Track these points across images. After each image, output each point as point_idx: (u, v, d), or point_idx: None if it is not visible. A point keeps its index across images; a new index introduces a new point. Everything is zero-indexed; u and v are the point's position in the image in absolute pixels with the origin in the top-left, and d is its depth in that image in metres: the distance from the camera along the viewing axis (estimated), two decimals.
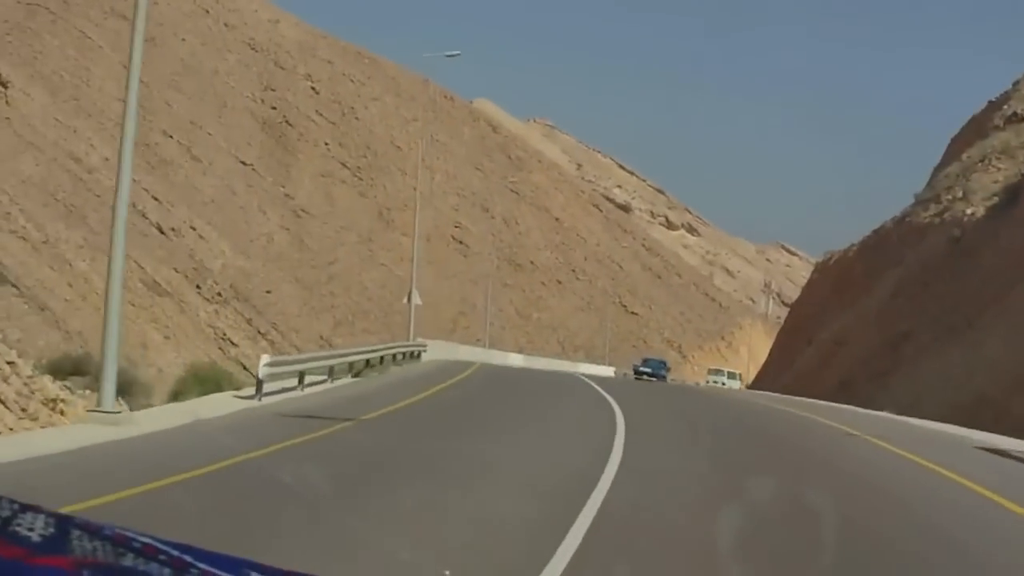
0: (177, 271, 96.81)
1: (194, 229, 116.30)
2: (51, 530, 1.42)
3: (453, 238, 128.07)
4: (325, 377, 29.46)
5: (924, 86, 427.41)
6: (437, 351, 62.89)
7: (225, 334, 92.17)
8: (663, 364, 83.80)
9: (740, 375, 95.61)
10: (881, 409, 42.58)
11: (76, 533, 1.43)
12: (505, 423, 24.55)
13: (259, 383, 21.91)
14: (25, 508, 1.44)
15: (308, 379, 28.03)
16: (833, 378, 58.52)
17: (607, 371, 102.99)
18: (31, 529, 1.41)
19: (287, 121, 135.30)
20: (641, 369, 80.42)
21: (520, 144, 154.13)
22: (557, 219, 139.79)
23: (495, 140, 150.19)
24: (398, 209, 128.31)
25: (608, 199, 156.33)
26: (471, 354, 72.91)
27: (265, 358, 22.63)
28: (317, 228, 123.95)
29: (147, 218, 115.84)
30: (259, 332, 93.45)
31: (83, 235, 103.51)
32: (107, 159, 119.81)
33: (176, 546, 1.46)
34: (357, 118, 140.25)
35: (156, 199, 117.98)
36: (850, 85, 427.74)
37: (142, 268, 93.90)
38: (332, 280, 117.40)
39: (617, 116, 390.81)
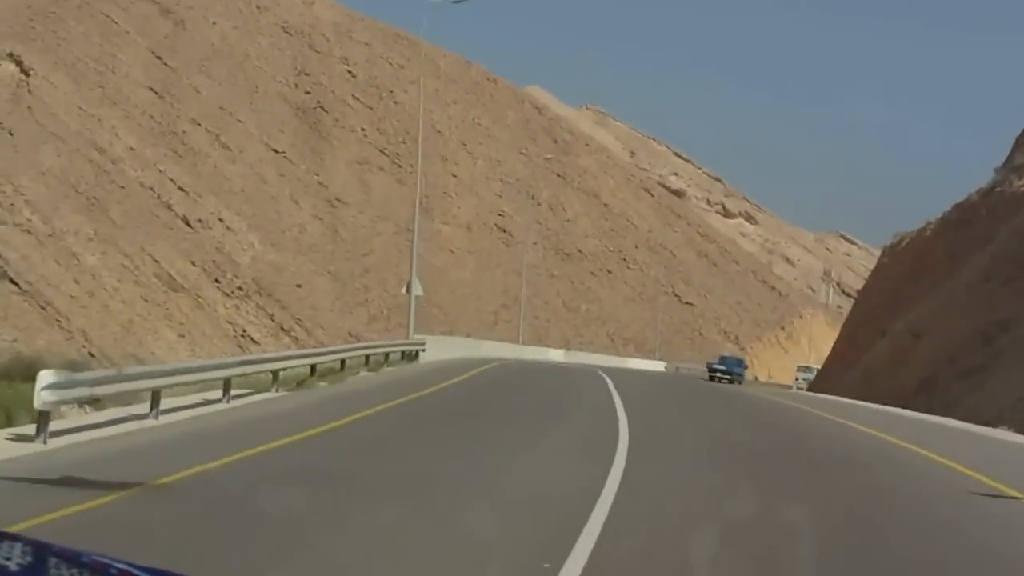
0: (195, 264, 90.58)
1: (222, 221, 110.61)
2: (28, 558, 1.42)
3: (496, 226, 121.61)
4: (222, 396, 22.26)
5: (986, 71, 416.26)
6: (454, 349, 55.83)
7: (245, 330, 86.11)
8: (740, 363, 76.81)
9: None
10: (978, 417, 34.98)
11: (53, 561, 1.44)
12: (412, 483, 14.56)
13: (41, 416, 14.38)
14: (2, 536, 1.44)
15: (205, 396, 21.11)
16: (911, 376, 51.27)
17: (657, 366, 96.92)
18: (8, 558, 1.41)
19: (321, 106, 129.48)
20: (716, 367, 73.61)
21: (567, 127, 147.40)
22: (606, 205, 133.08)
23: (540, 123, 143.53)
24: (437, 197, 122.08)
25: (662, 185, 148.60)
26: (497, 351, 66.13)
27: (45, 376, 14.64)
28: (352, 218, 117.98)
29: (173, 210, 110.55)
30: (282, 328, 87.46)
31: (97, 228, 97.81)
32: (132, 148, 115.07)
33: (153, 572, 1.49)
34: (395, 102, 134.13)
35: (183, 190, 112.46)
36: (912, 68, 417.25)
37: (157, 262, 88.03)
38: (367, 273, 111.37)
39: (671, 103, 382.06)
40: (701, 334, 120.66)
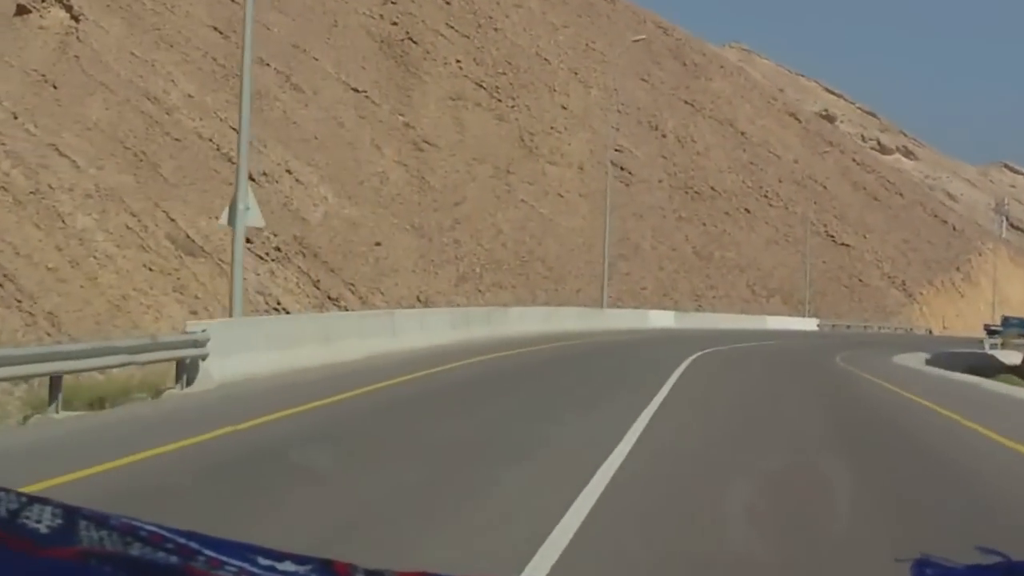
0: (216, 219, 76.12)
1: (290, 172, 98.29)
2: (59, 521, 1.48)
3: (613, 164, 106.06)
4: None
5: None
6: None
7: (280, 302, 71.72)
8: None
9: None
10: None
11: (83, 524, 1.49)
12: None
13: None
14: (32, 500, 1.50)
15: None
16: None
17: (808, 324, 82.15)
18: (38, 521, 1.47)
19: (410, 38, 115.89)
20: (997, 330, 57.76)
21: (697, 47, 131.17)
22: (743, 134, 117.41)
23: (665, 44, 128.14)
24: (543, 133, 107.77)
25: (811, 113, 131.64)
26: (568, 319, 52.27)
27: None
28: (442, 162, 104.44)
29: (233, 163, 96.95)
30: (329, 297, 73.21)
31: (144, 186, 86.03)
32: (190, 96, 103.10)
33: (182, 533, 1.55)
34: (496, 28, 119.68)
35: None
36: None
37: (172, 220, 74.26)
38: (458, 225, 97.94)
39: (819, 39, 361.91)
40: (861, 280, 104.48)
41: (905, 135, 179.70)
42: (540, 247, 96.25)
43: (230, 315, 27.28)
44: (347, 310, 71.19)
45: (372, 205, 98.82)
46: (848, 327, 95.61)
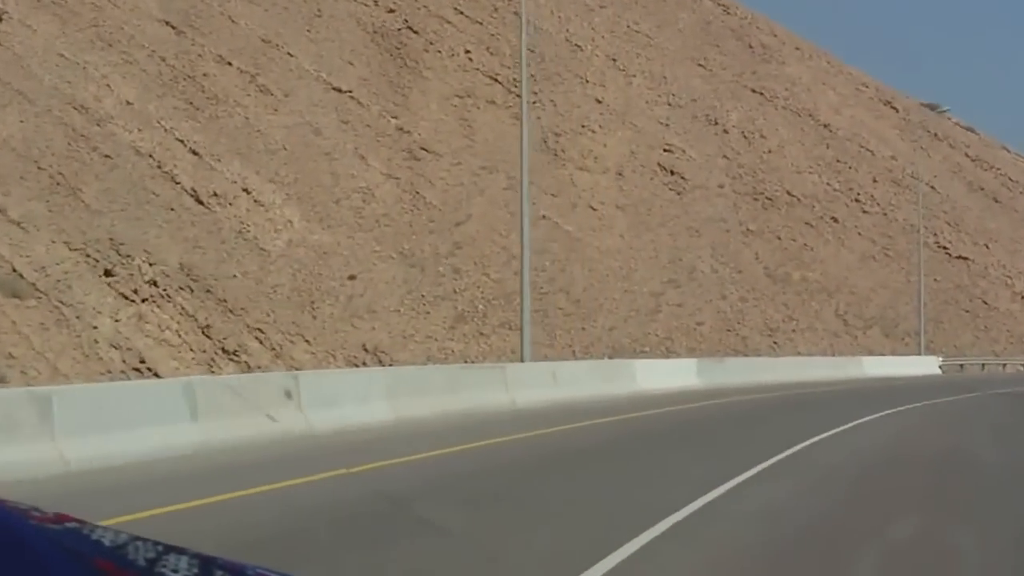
0: (87, 250, 58.35)
1: (248, 192, 79.79)
2: (195, 571, 1.50)
3: (661, 167, 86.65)
4: None
5: None
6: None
7: (143, 359, 51.90)
8: None
9: None
10: None
11: (219, 574, 1.52)
12: None
13: None
14: (169, 549, 1.53)
15: None
16: None
17: (925, 365, 62.53)
18: (175, 571, 1.49)
19: (410, 27, 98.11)
20: None
21: (765, 26, 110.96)
22: (827, 126, 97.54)
23: (728, 24, 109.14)
24: (572, 133, 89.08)
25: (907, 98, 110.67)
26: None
27: None
28: (444, 172, 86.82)
29: (178, 182, 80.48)
30: (222, 350, 53.09)
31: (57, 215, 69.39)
32: (129, 103, 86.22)
33: None
34: (515, 12, 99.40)
35: (195, 153, 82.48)
36: None
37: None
38: (459, 250, 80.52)
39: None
40: (985, 302, 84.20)
41: None
42: (564, 274, 77.15)
43: None
44: (250, 368, 51.44)
45: (350, 228, 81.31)
46: (983, 366, 74.70)
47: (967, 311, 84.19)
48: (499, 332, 73.93)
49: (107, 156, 78.46)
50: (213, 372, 50.33)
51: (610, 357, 69.39)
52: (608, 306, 75.96)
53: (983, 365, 76.03)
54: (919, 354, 69.61)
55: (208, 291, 58.26)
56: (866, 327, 79.69)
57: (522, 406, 32.14)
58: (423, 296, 76.75)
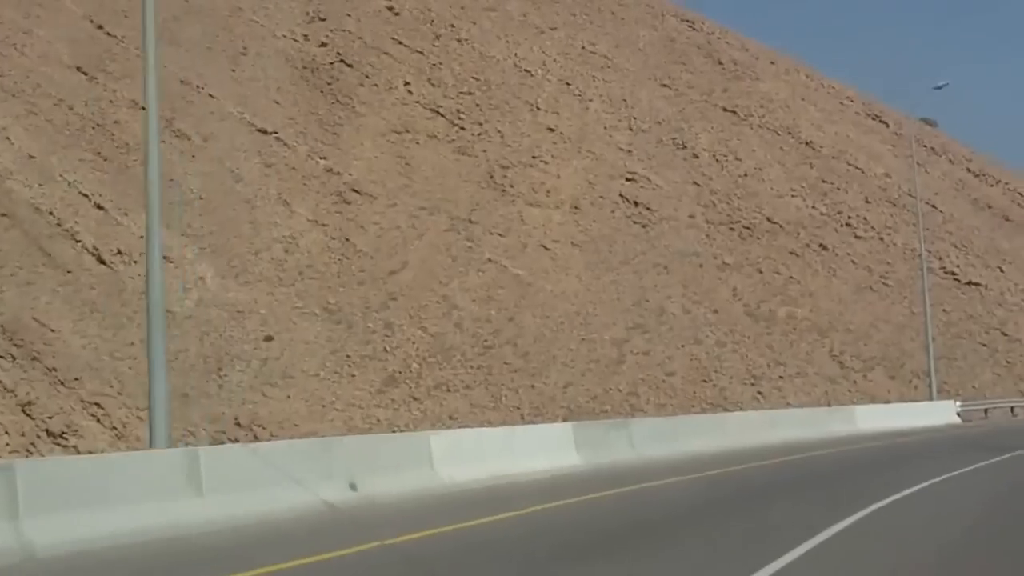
0: None
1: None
2: None
3: (623, 198, 77.04)
4: None
5: None
6: None
7: None
8: None
9: None
10: None
11: None
12: None
13: None
14: None
15: None
16: None
17: (941, 412, 52.32)
18: None
19: (343, 60, 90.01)
20: None
21: (735, 41, 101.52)
22: (809, 144, 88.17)
23: (693, 41, 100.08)
24: (521, 166, 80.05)
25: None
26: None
27: None
28: (377, 216, 78.45)
29: (78, 240, 71.48)
30: (47, 432, 43.26)
31: None
32: (31, 157, 78.39)
33: None
34: (460, 39, 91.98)
35: (101, 207, 73.06)
36: None
37: None
38: (393, 303, 73.58)
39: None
40: (1004, 333, 74.24)
41: None
42: (511, 325, 67.63)
43: None
44: (78, 451, 41.68)
45: (269, 283, 72.57)
46: (1012, 410, 63.82)
47: (984, 345, 73.60)
48: (435, 395, 64.18)
49: (2, 215, 69.77)
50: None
51: (564, 419, 59.39)
52: (563, 359, 66.16)
53: (1012, 408, 64.55)
54: (930, 399, 58.19)
55: (34, 358, 48.25)
56: (866, 369, 69.32)
57: None
58: (348, 357, 67.36)
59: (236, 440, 49.32)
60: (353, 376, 65.24)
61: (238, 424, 52.23)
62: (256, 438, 49.87)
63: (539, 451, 28.02)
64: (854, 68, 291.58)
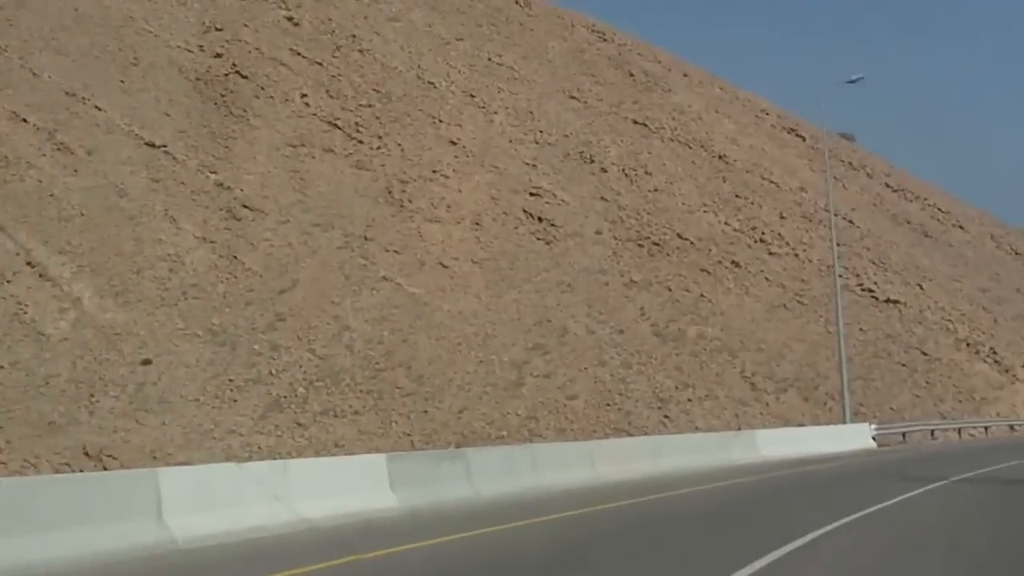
0: None
1: (32, 266, 68.11)
2: None
3: (527, 214, 73.11)
4: None
5: None
6: None
7: None
8: None
9: None
10: None
11: None
12: None
13: None
14: None
15: None
16: None
17: (856, 437, 48.55)
18: None
19: (239, 71, 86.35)
20: None
21: (647, 52, 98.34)
22: (723, 157, 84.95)
23: (603, 52, 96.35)
24: (421, 180, 76.60)
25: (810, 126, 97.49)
26: None
27: None
28: (268, 232, 75.35)
29: None
30: None
31: None
32: None
33: None
34: (362, 50, 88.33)
35: None
36: None
37: None
38: (281, 323, 71.79)
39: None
40: (924, 352, 70.64)
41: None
42: (405, 347, 63.76)
43: None
44: None
45: (151, 304, 68.96)
46: (932, 433, 60.03)
47: (903, 364, 70.14)
48: (321, 422, 60.33)
49: None
50: None
51: (457, 445, 55.72)
52: (459, 382, 62.49)
53: (932, 432, 60.50)
54: (844, 421, 54.01)
55: None
56: (779, 391, 65.85)
57: None
58: (231, 381, 63.49)
59: (81, 470, 45.34)
60: (235, 401, 61.32)
61: (87, 454, 48.17)
62: (105, 469, 45.93)
63: (334, 490, 21.88)
64: (773, 82, 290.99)
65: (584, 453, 32.73)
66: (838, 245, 79.62)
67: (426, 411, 60.05)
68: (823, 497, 25.75)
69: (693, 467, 35.99)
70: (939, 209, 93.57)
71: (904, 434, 57.35)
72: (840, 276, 76.61)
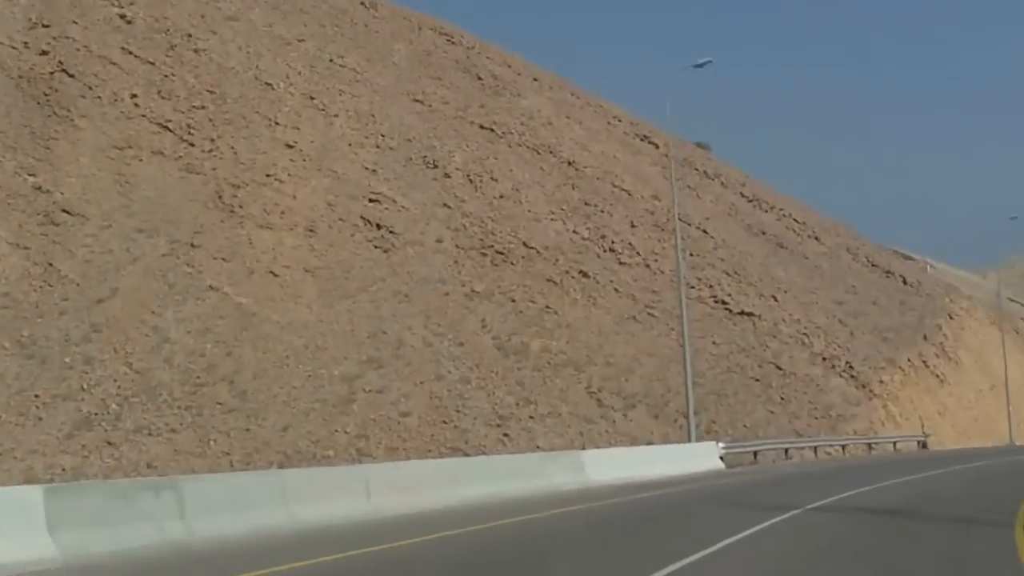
0: None
1: None
2: None
3: (365, 221, 69.01)
4: None
5: None
6: None
7: None
8: None
9: None
10: None
11: None
12: None
13: None
14: None
15: None
16: None
17: (703, 457, 44.25)
18: None
19: (64, 70, 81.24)
20: None
21: (496, 56, 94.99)
22: (572, 164, 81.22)
23: (451, 55, 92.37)
24: (254, 185, 72.61)
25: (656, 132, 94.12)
26: None
27: None
28: (88, 239, 72.01)
29: None
30: None
31: None
32: None
33: None
34: (197, 49, 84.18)
35: None
36: None
37: None
38: (97, 335, 69.46)
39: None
40: (779, 367, 67.68)
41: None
42: (229, 360, 59.77)
43: None
44: None
45: None
46: (786, 452, 56.36)
47: (757, 379, 66.89)
48: (133, 440, 56.06)
49: None
50: None
51: (280, 466, 51.91)
52: (284, 398, 58.67)
53: (786, 450, 56.69)
54: (690, 440, 49.91)
55: None
56: (627, 407, 62.43)
57: None
58: (38, 396, 59.33)
59: None
60: (40, 419, 56.96)
61: None
62: None
63: None
64: (632, 91, 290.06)
65: (357, 480, 26.44)
66: (691, 255, 76.70)
67: (248, 429, 56.06)
68: (643, 536, 20.14)
69: (504, 495, 30.29)
70: (795, 220, 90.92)
71: (755, 453, 53.39)
72: (692, 287, 73.60)
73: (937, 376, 74.49)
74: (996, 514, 21.64)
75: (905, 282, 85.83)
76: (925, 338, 76.42)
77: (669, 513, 25.37)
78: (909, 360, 72.83)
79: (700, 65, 50.72)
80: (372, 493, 25.81)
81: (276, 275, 68.01)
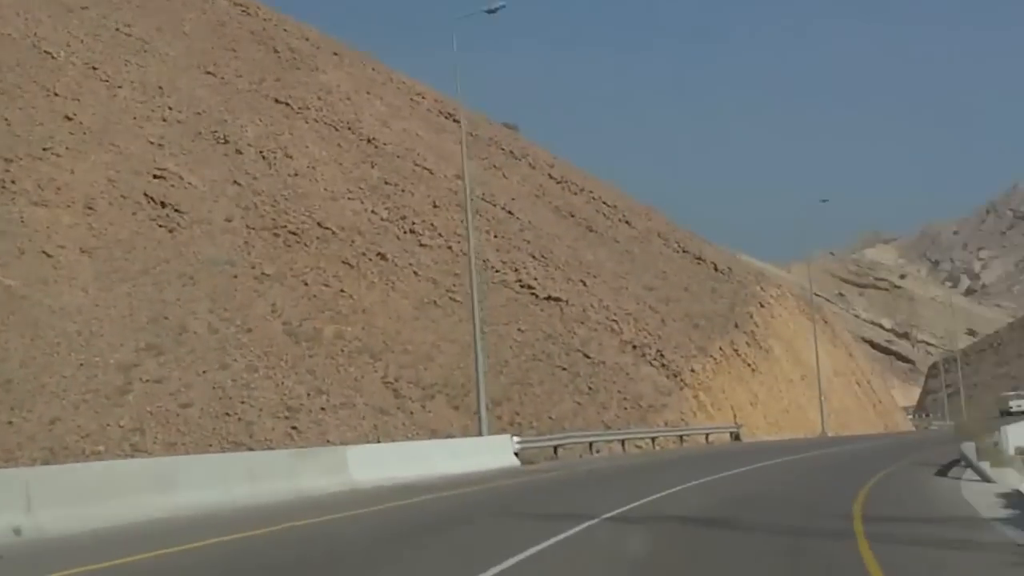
0: None
1: None
2: None
3: (149, 198, 64.50)
4: None
5: None
6: None
7: None
8: None
9: None
10: None
11: None
12: None
13: None
14: None
15: None
16: None
17: (498, 453, 40.31)
18: None
19: None
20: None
21: (294, 29, 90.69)
22: (371, 141, 77.29)
23: (246, 26, 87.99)
24: (29, 158, 70.34)
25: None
26: None
27: None
28: None
29: None
30: None
31: None
32: None
33: None
34: None
35: None
36: None
37: None
38: None
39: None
40: (587, 355, 64.28)
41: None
42: None
43: None
44: None
45: None
46: (591, 446, 52.88)
47: (564, 368, 63.63)
48: None
49: None
50: None
51: (44, 462, 47.27)
52: (53, 388, 53.99)
53: (591, 444, 53.10)
54: (481, 433, 45.65)
55: None
56: (426, 398, 58.85)
57: None
58: None
59: None
60: None
61: None
62: None
63: None
64: (435, 69, 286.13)
65: (15, 487, 20.15)
66: (495, 237, 73.39)
67: (11, 422, 51.42)
68: (374, 569, 14.75)
69: (235, 502, 25.24)
70: (604, 203, 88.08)
71: (556, 448, 49.42)
72: (497, 271, 70.32)
73: (749, 365, 72.24)
74: (830, 519, 18.62)
75: (716, 268, 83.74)
76: (736, 326, 74.11)
77: (430, 529, 20.10)
78: (721, 348, 70.36)
79: (493, 11, 46.77)
80: (35, 505, 19.93)
81: (49, 255, 63.14)
